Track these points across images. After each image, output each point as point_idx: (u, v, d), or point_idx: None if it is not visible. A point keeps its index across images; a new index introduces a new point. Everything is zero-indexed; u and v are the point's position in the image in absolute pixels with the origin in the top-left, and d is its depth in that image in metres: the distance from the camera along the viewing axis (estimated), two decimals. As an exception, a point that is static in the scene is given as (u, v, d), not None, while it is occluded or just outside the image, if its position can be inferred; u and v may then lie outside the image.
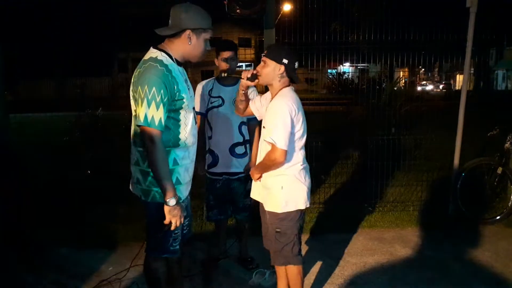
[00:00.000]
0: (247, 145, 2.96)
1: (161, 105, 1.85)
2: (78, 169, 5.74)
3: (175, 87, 1.94)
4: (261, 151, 2.32)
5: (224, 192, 2.97)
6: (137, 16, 21.28)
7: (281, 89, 2.23)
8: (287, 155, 2.16)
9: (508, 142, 4.10)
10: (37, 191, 4.63)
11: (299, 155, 2.26)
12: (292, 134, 2.16)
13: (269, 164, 2.19)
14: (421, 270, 3.11)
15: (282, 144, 2.10)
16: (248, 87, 2.40)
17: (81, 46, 20.89)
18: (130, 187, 2.16)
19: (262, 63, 2.22)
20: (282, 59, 2.16)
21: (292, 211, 2.24)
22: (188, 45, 1.99)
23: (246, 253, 3.18)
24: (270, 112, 2.19)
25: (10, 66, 4.14)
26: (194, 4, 2.01)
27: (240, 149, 2.92)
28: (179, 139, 2.02)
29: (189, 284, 2.86)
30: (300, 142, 2.25)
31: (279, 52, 2.20)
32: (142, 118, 1.85)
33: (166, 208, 1.92)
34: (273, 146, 2.12)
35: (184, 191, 2.12)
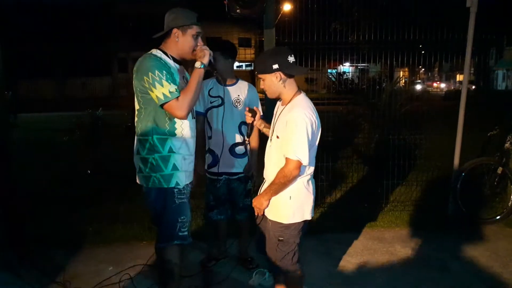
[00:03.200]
0: (247, 145, 2.96)
1: (168, 81, 2.08)
2: (78, 169, 5.74)
3: (171, 73, 2.13)
4: (272, 161, 2.18)
5: (224, 192, 2.97)
6: (137, 16, 21.29)
7: (293, 96, 2.10)
8: (303, 167, 2.06)
9: (508, 142, 4.10)
10: (37, 191, 4.63)
11: (312, 166, 2.16)
12: (311, 146, 2.06)
13: (284, 182, 2.04)
14: (421, 270, 3.11)
15: (306, 160, 1.99)
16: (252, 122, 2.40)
17: (81, 46, 20.86)
18: (137, 179, 2.31)
19: (261, 81, 2.14)
20: (272, 66, 2.02)
21: (297, 222, 2.17)
22: (177, 42, 2.19)
23: (246, 253, 3.18)
24: (289, 123, 2.03)
25: (11, 66, 4.13)
26: (180, 7, 2.23)
27: (240, 149, 2.92)
28: (175, 129, 2.19)
29: (189, 284, 2.86)
30: (316, 152, 2.16)
31: (265, 62, 2.08)
32: (161, 97, 2.07)
33: (196, 70, 2.18)
34: (292, 161, 1.98)
35: (184, 178, 2.26)
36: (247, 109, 2.40)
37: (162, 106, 2.09)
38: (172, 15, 2.19)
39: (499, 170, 4.14)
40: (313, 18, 4.12)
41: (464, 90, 3.93)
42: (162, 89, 2.05)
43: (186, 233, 2.27)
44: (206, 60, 2.18)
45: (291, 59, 2.04)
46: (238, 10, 3.10)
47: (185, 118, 2.16)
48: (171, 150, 2.19)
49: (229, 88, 2.85)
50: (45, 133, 9.63)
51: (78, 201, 4.48)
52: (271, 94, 2.15)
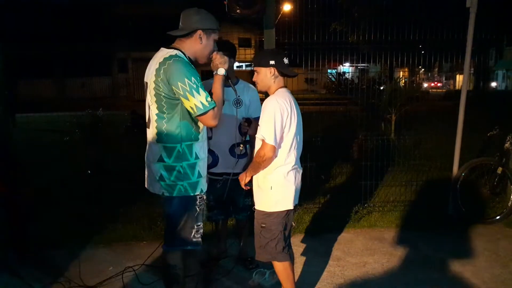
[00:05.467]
0: (247, 145, 2.96)
1: (202, 88, 2.04)
2: (78, 169, 5.75)
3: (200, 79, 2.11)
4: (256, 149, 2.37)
5: (224, 192, 2.96)
6: (136, 16, 21.28)
7: (276, 90, 2.31)
8: (278, 153, 2.25)
9: (508, 142, 4.11)
10: (38, 191, 4.63)
11: (291, 156, 2.30)
12: (283, 132, 2.22)
13: (259, 161, 2.24)
14: (421, 270, 3.11)
15: (271, 139, 2.16)
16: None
17: (81, 46, 20.86)
18: (146, 186, 2.26)
19: (255, 73, 2.33)
20: (269, 61, 2.25)
21: (279, 210, 2.32)
22: (200, 44, 2.15)
23: (246, 253, 3.18)
24: (262, 109, 2.26)
25: (11, 66, 4.13)
26: (201, 9, 2.17)
27: (239, 149, 2.92)
28: (199, 133, 2.17)
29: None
30: (292, 142, 2.29)
31: (263, 57, 2.31)
32: (200, 106, 2.01)
33: (219, 77, 2.19)
34: (263, 141, 2.20)
35: (205, 184, 2.26)
36: (244, 119, 2.50)
37: (197, 116, 2.04)
38: (196, 15, 2.13)
39: (499, 170, 4.15)
40: (313, 18, 4.12)
41: (464, 90, 3.93)
42: (200, 98, 2.00)
43: (199, 239, 2.24)
44: (227, 66, 2.21)
45: (286, 61, 2.30)
46: (238, 10, 3.10)
47: (215, 126, 2.15)
48: (196, 156, 2.16)
49: (229, 89, 2.84)
50: (45, 133, 9.62)
51: (78, 201, 4.48)
52: (261, 87, 2.36)
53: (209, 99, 2.03)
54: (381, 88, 6.64)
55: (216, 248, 3.22)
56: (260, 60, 2.31)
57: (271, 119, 2.17)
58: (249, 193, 2.99)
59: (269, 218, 2.33)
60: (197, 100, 1.99)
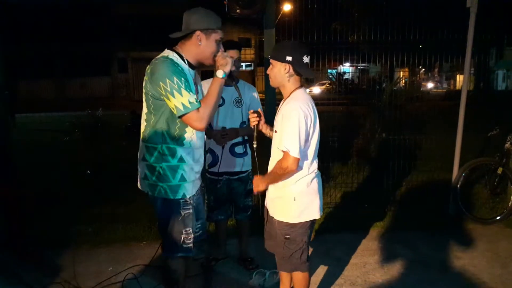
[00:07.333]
0: (247, 144, 2.97)
1: (187, 89, 1.94)
2: (78, 169, 5.74)
3: (188, 80, 1.99)
4: (273, 157, 2.20)
5: (225, 193, 2.97)
6: (136, 16, 21.29)
7: (293, 90, 2.11)
8: (302, 163, 2.08)
9: (508, 142, 4.10)
10: (37, 191, 4.63)
11: (313, 164, 2.17)
12: (307, 141, 2.06)
13: (280, 173, 2.07)
14: (421, 270, 3.10)
15: (295, 152, 1.98)
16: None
17: (80, 46, 20.88)
18: (138, 185, 2.21)
19: (270, 65, 2.14)
20: (286, 57, 2.03)
21: (304, 221, 2.18)
22: (199, 45, 2.05)
23: (246, 253, 3.18)
24: (283, 116, 2.05)
25: (11, 66, 4.14)
26: (204, 8, 2.07)
27: (240, 149, 2.92)
28: (184, 138, 2.06)
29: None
30: (315, 148, 2.14)
31: (282, 50, 2.07)
32: (181, 107, 1.93)
33: (217, 79, 2.06)
34: (285, 153, 2.01)
35: (190, 188, 2.15)
36: (251, 112, 2.31)
37: (180, 116, 1.96)
38: (194, 15, 2.04)
39: (499, 170, 4.14)
40: (313, 18, 4.12)
41: (464, 90, 3.93)
42: (182, 99, 1.91)
43: (190, 245, 2.16)
44: (228, 69, 2.06)
45: (306, 59, 2.06)
46: (238, 10, 3.11)
47: (203, 130, 2.04)
48: (181, 160, 2.06)
49: (230, 88, 2.84)
50: (44, 133, 9.63)
51: (78, 201, 4.48)
52: (273, 83, 2.16)
53: (192, 100, 1.92)
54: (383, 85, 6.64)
55: (216, 248, 3.22)
56: (276, 53, 2.08)
57: (295, 129, 1.97)
58: (250, 193, 2.99)
59: (293, 229, 2.16)
60: (177, 101, 1.91)
